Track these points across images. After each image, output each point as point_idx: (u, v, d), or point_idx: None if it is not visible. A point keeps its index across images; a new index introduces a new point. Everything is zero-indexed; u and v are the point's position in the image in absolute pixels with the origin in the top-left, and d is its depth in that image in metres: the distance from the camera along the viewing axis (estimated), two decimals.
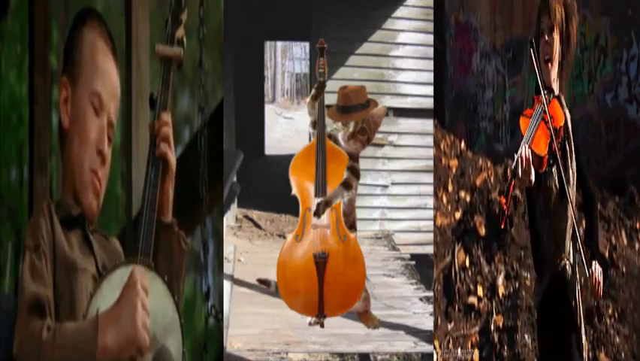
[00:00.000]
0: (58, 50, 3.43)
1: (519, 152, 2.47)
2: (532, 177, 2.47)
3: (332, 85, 4.04)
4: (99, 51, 2.15)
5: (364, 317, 4.07)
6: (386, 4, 7.25)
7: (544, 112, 2.55)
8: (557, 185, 2.60)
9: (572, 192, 2.62)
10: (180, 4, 2.18)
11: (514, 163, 2.46)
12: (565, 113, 2.61)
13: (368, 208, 6.96)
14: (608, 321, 4.37)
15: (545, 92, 2.59)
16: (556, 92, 2.64)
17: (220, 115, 3.49)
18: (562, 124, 2.59)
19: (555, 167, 2.59)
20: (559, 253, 2.63)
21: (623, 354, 4.33)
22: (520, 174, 2.44)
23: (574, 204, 2.62)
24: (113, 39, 2.20)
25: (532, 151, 2.49)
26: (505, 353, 4.43)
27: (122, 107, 2.23)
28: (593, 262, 2.60)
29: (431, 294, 4.78)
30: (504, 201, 2.45)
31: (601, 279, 2.59)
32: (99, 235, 2.14)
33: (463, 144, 5.67)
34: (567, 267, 2.64)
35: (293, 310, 3.86)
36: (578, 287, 2.63)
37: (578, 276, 2.64)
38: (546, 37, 2.61)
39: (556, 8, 2.60)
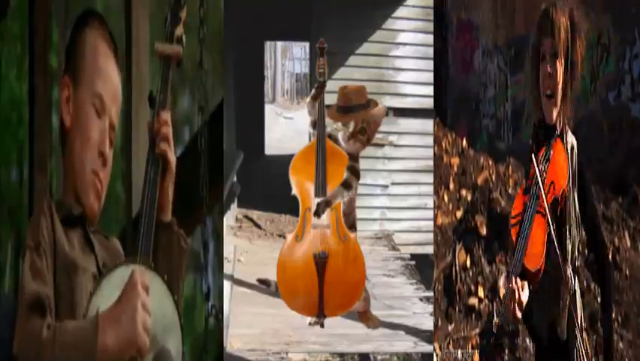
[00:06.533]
0: (58, 49, 3.43)
1: (506, 286, 2.19)
2: (519, 315, 2.18)
3: (332, 85, 4.03)
4: (101, 53, 2.14)
5: (364, 317, 4.07)
6: (386, 4, 7.25)
7: (538, 205, 2.19)
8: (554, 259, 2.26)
9: (569, 267, 2.29)
10: (180, 2, 2.17)
11: (503, 297, 2.19)
12: (568, 158, 2.23)
13: (368, 208, 6.95)
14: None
15: (542, 187, 2.20)
16: (559, 128, 2.26)
17: (220, 115, 3.49)
18: (565, 187, 2.22)
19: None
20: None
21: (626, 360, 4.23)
22: (507, 313, 2.18)
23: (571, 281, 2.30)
24: (114, 41, 2.19)
25: (525, 268, 2.17)
26: (505, 357, 4.41)
27: (122, 107, 2.23)
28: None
29: (431, 294, 4.78)
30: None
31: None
32: (100, 235, 2.14)
33: (464, 142, 5.66)
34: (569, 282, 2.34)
35: (293, 310, 3.85)
36: (578, 293, 2.40)
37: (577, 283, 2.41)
38: (548, 68, 2.23)
39: (561, 26, 2.19)
